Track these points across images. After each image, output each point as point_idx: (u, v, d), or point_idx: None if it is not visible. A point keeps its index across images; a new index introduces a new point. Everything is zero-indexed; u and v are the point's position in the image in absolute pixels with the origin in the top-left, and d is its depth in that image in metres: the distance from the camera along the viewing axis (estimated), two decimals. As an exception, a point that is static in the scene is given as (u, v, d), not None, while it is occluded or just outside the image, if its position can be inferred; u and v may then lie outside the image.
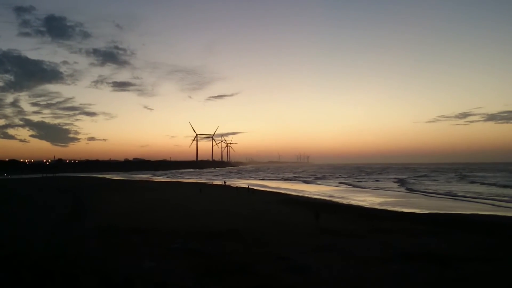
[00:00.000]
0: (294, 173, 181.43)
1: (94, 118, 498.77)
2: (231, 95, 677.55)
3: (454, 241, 21.39)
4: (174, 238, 20.85)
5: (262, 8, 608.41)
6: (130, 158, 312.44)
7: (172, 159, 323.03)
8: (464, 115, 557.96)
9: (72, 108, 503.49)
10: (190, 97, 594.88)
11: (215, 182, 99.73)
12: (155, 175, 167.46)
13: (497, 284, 13.51)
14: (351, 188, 78.93)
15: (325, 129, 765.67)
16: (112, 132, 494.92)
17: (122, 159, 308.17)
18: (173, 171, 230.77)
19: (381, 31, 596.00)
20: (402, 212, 37.26)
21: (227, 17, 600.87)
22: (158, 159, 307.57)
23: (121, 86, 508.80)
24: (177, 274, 14.18)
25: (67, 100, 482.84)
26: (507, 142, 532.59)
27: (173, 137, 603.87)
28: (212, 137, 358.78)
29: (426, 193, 62.86)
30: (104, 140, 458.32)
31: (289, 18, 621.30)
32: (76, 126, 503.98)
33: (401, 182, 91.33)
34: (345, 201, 49.65)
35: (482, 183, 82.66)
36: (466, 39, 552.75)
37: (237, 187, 72.64)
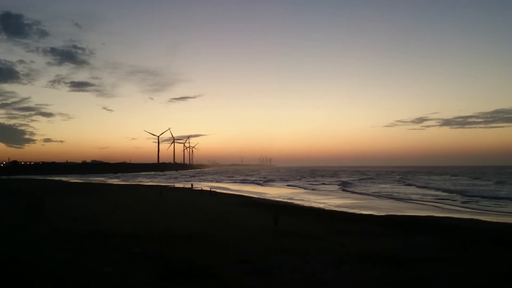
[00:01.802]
0: (247, 175, 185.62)
1: (50, 119, 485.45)
2: (194, 97, 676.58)
3: (410, 243, 21.96)
4: (134, 242, 20.47)
5: (226, 12, 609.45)
6: (88, 160, 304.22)
7: (132, 162, 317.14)
8: (420, 120, 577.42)
9: (28, 109, 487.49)
10: (151, 98, 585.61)
11: (177, 185, 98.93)
12: (114, 177, 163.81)
13: (451, 285, 13.90)
14: (301, 190, 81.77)
15: (287, 132, 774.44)
16: (69, 133, 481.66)
17: (79, 161, 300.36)
18: (134, 173, 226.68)
19: (343, 37, 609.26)
20: (361, 214, 38.15)
21: (191, 19, 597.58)
22: (118, 162, 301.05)
23: (79, 86, 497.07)
24: (136, 279, 13.89)
25: (22, 100, 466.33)
26: (461, 146, 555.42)
27: (133, 139, 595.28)
28: (174, 140, 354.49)
29: (359, 193, 69.65)
30: (61, 141, 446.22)
31: (252, 22, 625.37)
32: (32, 127, 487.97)
33: (343, 185, 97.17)
34: (305, 203, 50.31)
35: (418, 186, 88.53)
36: (422, 47, 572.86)
37: (199, 190, 72.05)
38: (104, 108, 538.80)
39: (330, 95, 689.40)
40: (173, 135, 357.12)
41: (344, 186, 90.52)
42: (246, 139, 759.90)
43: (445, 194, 67.55)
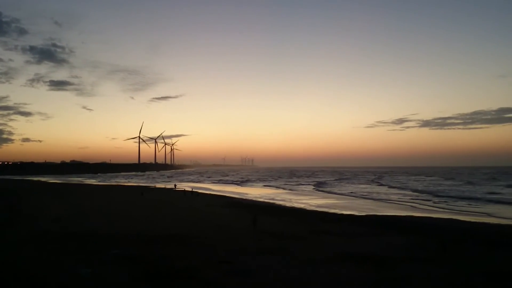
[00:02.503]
0: (228, 176, 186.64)
1: (29, 118, 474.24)
2: (176, 96, 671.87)
3: (390, 242, 22.17)
4: (113, 244, 20.21)
5: (208, 12, 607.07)
6: (67, 161, 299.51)
7: (112, 162, 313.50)
8: (400, 121, 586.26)
9: (6, 108, 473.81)
10: (132, 98, 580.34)
11: (158, 186, 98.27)
12: (94, 178, 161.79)
13: (432, 284, 14.08)
14: (280, 190, 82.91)
15: (270, 132, 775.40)
16: (48, 133, 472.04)
17: (58, 161, 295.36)
18: (114, 174, 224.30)
19: (325, 39, 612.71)
20: (342, 214, 38.41)
21: (172, 18, 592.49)
22: (98, 162, 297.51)
23: (58, 85, 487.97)
24: (115, 281, 13.70)
25: (0, 99, 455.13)
26: (440, 147, 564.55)
27: (113, 139, 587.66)
28: (155, 140, 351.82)
29: (334, 193, 71.78)
30: (40, 141, 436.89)
31: (235, 22, 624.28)
32: (10, 126, 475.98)
33: (318, 185, 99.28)
34: (287, 204, 50.50)
35: (389, 187, 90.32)
36: (403, 49, 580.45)
37: (181, 191, 71.80)
38: (84, 107, 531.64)
39: (312, 96, 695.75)
40: (154, 135, 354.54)
41: (319, 186, 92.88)
42: (228, 139, 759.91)
43: (415, 194, 69.27)
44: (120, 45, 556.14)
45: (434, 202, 52.98)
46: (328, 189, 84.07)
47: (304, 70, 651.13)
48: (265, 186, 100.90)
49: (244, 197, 60.99)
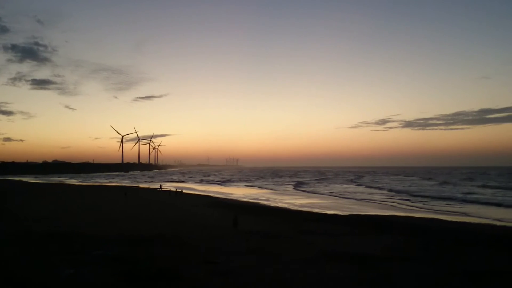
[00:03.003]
0: (212, 176, 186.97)
1: (10, 117, 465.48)
2: (160, 96, 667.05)
3: (373, 242, 22.44)
4: (96, 244, 20.06)
5: (193, 11, 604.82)
6: (50, 160, 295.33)
7: (95, 162, 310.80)
8: (383, 121, 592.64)
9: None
10: (115, 97, 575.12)
11: (142, 186, 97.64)
12: (76, 178, 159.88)
13: (414, 283, 14.27)
14: (263, 190, 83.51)
15: (254, 133, 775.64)
16: (30, 132, 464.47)
17: (40, 161, 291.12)
18: (97, 174, 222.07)
19: (308, 40, 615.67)
20: (325, 214, 38.70)
21: (156, 17, 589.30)
22: (81, 162, 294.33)
23: (40, 84, 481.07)
24: (98, 282, 13.61)
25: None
26: (422, 147, 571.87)
27: (97, 138, 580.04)
28: (139, 139, 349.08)
29: (310, 192, 74.38)
30: (22, 140, 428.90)
31: (220, 22, 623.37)
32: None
33: (298, 185, 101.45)
34: (271, 203, 50.69)
35: (366, 186, 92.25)
36: (386, 51, 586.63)
37: (165, 190, 71.42)
38: (67, 106, 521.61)
39: (296, 96, 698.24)
40: (138, 135, 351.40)
41: (298, 186, 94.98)
42: (213, 139, 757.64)
43: (391, 193, 70.83)
44: (104, 44, 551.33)
45: (412, 202, 53.81)
46: (307, 188, 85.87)
47: (289, 70, 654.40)
48: (246, 186, 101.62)
49: (229, 197, 61.06)
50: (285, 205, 48.58)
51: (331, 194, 70.09)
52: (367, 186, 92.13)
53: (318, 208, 44.76)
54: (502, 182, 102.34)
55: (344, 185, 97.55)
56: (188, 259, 16.99)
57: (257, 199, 58.76)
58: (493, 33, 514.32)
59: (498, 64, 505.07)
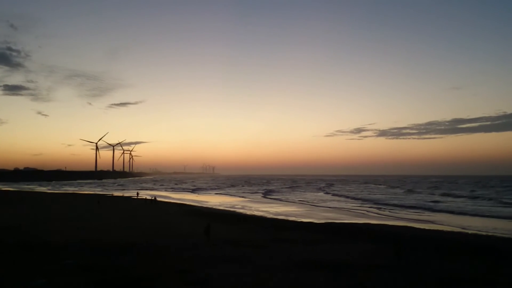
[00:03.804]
0: (184, 183, 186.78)
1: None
2: (135, 103, 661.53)
3: (348, 249, 22.69)
4: (69, 253, 19.74)
5: (169, 19, 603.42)
6: (21, 168, 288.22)
7: (68, 169, 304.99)
8: (358, 130, 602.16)
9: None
10: (89, 103, 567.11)
11: (115, 194, 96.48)
12: (48, 186, 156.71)
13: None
14: (236, 198, 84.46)
15: (231, 141, 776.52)
16: (1, 138, 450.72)
17: (11, 168, 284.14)
18: (69, 181, 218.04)
19: (285, 49, 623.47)
20: (301, 222, 39.05)
21: (132, 24, 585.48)
22: (53, 169, 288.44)
23: (13, 89, 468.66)
24: (71, 292, 13.32)
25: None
26: (395, 156, 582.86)
27: (70, 145, 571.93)
28: (113, 147, 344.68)
29: (277, 199, 77.62)
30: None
31: (196, 31, 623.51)
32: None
33: (267, 192, 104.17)
34: (247, 212, 50.92)
35: (333, 194, 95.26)
36: (361, 61, 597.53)
37: (139, 199, 70.70)
38: (39, 113, 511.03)
39: (273, 105, 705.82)
40: (113, 142, 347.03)
41: (267, 194, 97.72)
42: (189, 147, 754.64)
43: (356, 201, 73.41)
44: (78, 50, 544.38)
45: (380, 210, 55.17)
46: (276, 196, 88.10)
47: (266, 79, 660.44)
48: (217, 194, 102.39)
49: (204, 205, 60.99)
50: (261, 213, 48.82)
51: (300, 202, 71.77)
52: (333, 194, 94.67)
53: (294, 216, 45.21)
54: (465, 191, 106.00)
55: (313, 193, 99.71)
56: (162, 268, 16.82)
57: (232, 207, 58.85)
58: (465, 45, 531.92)
59: (469, 75, 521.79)
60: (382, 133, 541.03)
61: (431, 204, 64.07)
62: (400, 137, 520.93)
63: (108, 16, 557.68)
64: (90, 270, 16.30)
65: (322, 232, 30.20)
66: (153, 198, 64.33)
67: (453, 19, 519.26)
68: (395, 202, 68.93)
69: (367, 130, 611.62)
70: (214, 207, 58.73)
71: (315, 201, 72.14)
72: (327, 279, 15.46)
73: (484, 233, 32.29)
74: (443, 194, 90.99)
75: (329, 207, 59.69)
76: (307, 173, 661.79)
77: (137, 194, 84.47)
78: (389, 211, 53.46)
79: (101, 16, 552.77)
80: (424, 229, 34.27)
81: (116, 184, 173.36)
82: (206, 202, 70.58)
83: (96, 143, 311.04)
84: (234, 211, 51.58)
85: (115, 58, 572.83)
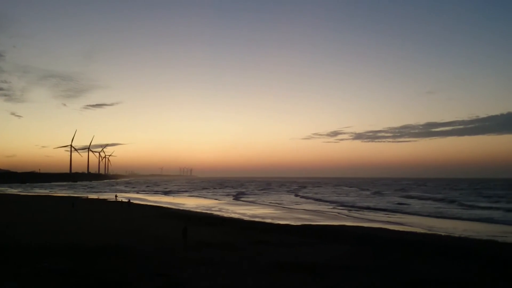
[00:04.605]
0: (149, 186, 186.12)
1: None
2: (111, 104, 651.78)
3: (325, 251, 22.98)
4: (43, 256, 19.28)
5: (147, 19, 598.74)
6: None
7: (42, 171, 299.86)
8: (335, 133, 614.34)
9: None
10: (64, 104, 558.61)
11: (91, 196, 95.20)
12: (21, 188, 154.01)
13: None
14: (209, 200, 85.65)
15: (208, 143, 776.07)
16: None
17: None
18: (43, 184, 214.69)
19: (263, 53, 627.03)
20: (278, 224, 39.40)
21: (108, 24, 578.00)
22: (26, 171, 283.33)
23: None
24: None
25: None
26: (371, 159, 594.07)
27: (44, 147, 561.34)
28: (88, 148, 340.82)
29: (250, 202, 78.40)
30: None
31: (175, 33, 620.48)
32: None
33: (238, 195, 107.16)
34: (224, 214, 51.17)
35: (301, 197, 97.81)
36: (337, 65, 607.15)
37: (115, 201, 70.08)
38: (13, 113, 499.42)
39: (251, 107, 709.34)
40: (88, 144, 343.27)
41: (238, 196, 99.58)
42: (166, 149, 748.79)
43: (323, 203, 75.54)
44: (53, 50, 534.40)
45: (349, 212, 57.05)
46: (246, 198, 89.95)
47: (244, 82, 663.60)
48: (190, 196, 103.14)
49: (181, 208, 60.92)
50: (238, 215, 49.13)
51: (271, 204, 73.34)
52: (302, 197, 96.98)
53: (270, 218, 45.68)
54: (430, 193, 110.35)
55: (284, 196, 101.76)
56: (138, 271, 16.73)
57: (209, 209, 59.06)
58: (439, 50, 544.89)
59: (442, 80, 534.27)
60: (358, 136, 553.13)
61: (396, 206, 67.03)
62: (376, 140, 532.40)
63: (84, 16, 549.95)
64: (65, 274, 16.11)
65: (298, 234, 30.53)
66: (127, 200, 63.75)
67: (427, 24, 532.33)
68: (362, 204, 71.20)
69: (344, 133, 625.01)
70: (190, 209, 58.78)
71: (284, 203, 74.04)
72: (304, 281, 15.66)
73: (457, 235, 33.25)
74: (407, 196, 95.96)
75: (304, 209, 60.63)
76: (285, 176, 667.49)
77: (116, 196, 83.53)
78: (355, 212, 55.36)
79: (77, 16, 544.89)
80: (398, 231, 34.95)
81: (87, 187, 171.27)
82: (183, 204, 70.66)
83: (71, 146, 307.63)
84: (211, 214, 51.67)
85: (91, 58, 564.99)
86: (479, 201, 79.79)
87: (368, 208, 63.12)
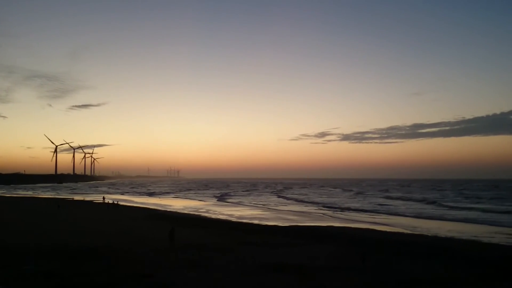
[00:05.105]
0: (133, 187, 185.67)
1: None
2: (98, 105, 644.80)
3: (313, 252, 23.01)
4: (27, 258, 19.10)
5: (134, 20, 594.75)
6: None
7: (27, 173, 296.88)
8: (322, 134, 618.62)
9: None
10: (50, 105, 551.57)
11: (76, 198, 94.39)
12: (5, 189, 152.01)
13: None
14: (194, 201, 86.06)
15: (197, 144, 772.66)
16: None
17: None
18: (28, 185, 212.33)
19: (250, 53, 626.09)
20: (266, 225, 39.44)
21: (94, 24, 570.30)
22: (11, 172, 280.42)
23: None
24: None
25: None
26: (358, 160, 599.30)
27: (29, 148, 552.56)
28: (74, 149, 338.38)
29: (232, 203, 79.25)
30: None
31: (161, 33, 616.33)
32: None
33: (221, 196, 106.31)
34: (212, 215, 51.17)
35: (286, 198, 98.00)
36: (325, 66, 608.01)
37: (102, 203, 69.49)
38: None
39: (239, 109, 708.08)
40: (74, 145, 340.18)
41: (222, 197, 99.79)
42: (153, 150, 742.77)
43: (304, 204, 76.81)
44: (38, 50, 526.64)
45: (335, 212, 57.86)
46: (229, 200, 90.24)
47: (232, 83, 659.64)
48: (175, 197, 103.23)
49: (168, 209, 60.78)
50: (225, 217, 49.19)
51: (255, 205, 73.78)
52: (285, 198, 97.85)
53: (257, 220, 45.78)
54: (410, 193, 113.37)
55: (266, 197, 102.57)
56: (125, 273, 16.63)
57: (196, 210, 59.12)
58: (425, 51, 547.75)
59: (428, 81, 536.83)
60: (346, 137, 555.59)
61: (377, 207, 68.24)
62: (363, 141, 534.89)
63: (70, 16, 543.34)
64: (50, 276, 15.92)
65: (286, 235, 30.57)
66: (116, 202, 63.23)
67: (414, 26, 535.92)
68: (344, 205, 71.97)
69: (331, 134, 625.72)
70: (178, 211, 58.65)
71: (267, 204, 74.53)
72: (291, 282, 15.71)
73: (443, 236, 33.65)
74: (389, 197, 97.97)
75: (290, 211, 60.97)
76: (273, 177, 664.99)
77: (103, 198, 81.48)
78: (340, 213, 56.06)
79: (63, 16, 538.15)
80: (384, 232, 35.25)
81: (69, 188, 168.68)
82: (170, 206, 70.55)
83: (56, 147, 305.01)
84: (198, 215, 51.70)
85: (77, 59, 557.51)
86: (460, 201, 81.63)
87: (349, 209, 63.70)
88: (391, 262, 20.37)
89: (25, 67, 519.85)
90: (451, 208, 66.40)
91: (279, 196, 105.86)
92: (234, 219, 46.78)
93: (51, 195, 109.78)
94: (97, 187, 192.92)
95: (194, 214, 52.96)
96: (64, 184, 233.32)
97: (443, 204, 74.24)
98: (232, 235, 30.47)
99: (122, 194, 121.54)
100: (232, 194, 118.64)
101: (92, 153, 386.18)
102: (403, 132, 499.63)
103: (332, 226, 39.41)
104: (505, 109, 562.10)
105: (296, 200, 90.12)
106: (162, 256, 20.86)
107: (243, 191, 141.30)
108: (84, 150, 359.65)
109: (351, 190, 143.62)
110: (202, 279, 16.00)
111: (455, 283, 16.20)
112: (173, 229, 25.01)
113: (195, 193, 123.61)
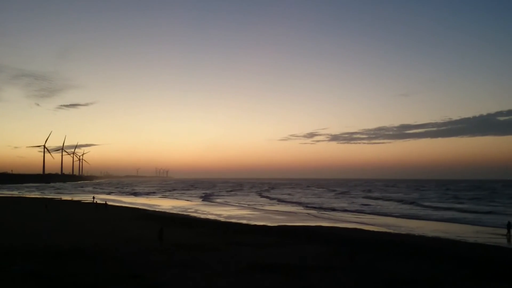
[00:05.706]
0: (117, 187, 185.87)
1: None
2: (86, 104, 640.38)
3: (301, 252, 23.11)
4: (14, 260, 18.99)
5: (122, 19, 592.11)
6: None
7: (14, 172, 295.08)
8: (311, 134, 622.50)
9: None
10: (37, 104, 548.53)
11: (64, 198, 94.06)
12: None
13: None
14: (179, 201, 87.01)
15: (186, 144, 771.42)
16: None
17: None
18: (16, 185, 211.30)
19: (239, 54, 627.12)
20: (255, 225, 39.51)
21: (82, 23, 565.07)
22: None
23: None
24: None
25: None
26: (347, 160, 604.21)
27: (16, 147, 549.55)
28: (62, 149, 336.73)
29: (219, 203, 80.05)
30: None
31: (151, 32, 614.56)
32: None
33: (206, 196, 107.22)
34: (201, 215, 51.30)
35: (270, 198, 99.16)
36: (313, 67, 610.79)
37: (90, 203, 69.39)
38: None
39: (228, 109, 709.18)
40: (62, 144, 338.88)
41: (205, 197, 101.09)
42: (142, 149, 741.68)
43: (285, 204, 78.51)
44: (26, 49, 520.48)
45: (320, 212, 59.03)
46: (214, 200, 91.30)
47: (221, 83, 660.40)
48: (162, 197, 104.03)
49: (157, 209, 60.77)
50: (214, 217, 49.34)
51: (241, 205, 74.75)
52: (268, 198, 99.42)
53: (246, 220, 45.87)
54: (394, 193, 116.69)
55: (249, 197, 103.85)
56: (113, 273, 16.58)
57: (185, 210, 59.29)
58: (413, 53, 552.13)
59: (416, 83, 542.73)
60: (334, 138, 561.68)
61: (359, 207, 69.96)
62: (351, 141, 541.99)
63: (58, 14, 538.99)
64: (39, 277, 15.86)
65: (275, 235, 30.67)
66: (104, 202, 63.04)
67: (401, 27, 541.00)
68: (328, 205, 73.41)
69: (320, 134, 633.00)
70: (166, 211, 58.71)
71: (252, 204, 75.47)
72: (280, 281, 15.78)
73: (430, 235, 34.03)
74: (372, 197, 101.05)
75: (278, 211, 61.41)
76: (261, 177, 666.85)
77: (93, 198, 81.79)
78: (324, 213, 57.35)
79: (51, 14, 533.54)
80: (372, 231, 35.57)
81: (54, 188, 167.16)
82: (159, 206, 70.68)
83: (44, 146, 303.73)
84: (187, 215, 51.72)
85: (65, 58, 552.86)
86: (441, 201, 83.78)
87: (334, 209, 64.51)
88: (380, 262, 20.51)
89: (13, 66, 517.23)
90: (430, 207, 68.23)
91: (262, 196, 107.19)
92: (222, 219, 47.00)
93: (35, 195, 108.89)
94: (83, 187, 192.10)
95: (182, 214, 53.11)
96: (51, 184, 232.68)
97: (422, 204, 76.06)
98: (221, 235, 30.59)
99: (109, 194, 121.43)
100: (216, 194, 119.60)
101: (82, 154, 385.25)
102: (391, 132, 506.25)
103: (321, 226, 39.85)
104: (492, 110, 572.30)
105: (278, 200, 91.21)
106: (151, 256, 20.88)
107: (228, 191, 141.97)
108: (72, 150, 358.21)
109: (335, 190, 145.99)
110: (191, 279, 16.03)
111: (443, 283, 16.39)
112: (162, 229, 25.15)
113: (181, 193, 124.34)
